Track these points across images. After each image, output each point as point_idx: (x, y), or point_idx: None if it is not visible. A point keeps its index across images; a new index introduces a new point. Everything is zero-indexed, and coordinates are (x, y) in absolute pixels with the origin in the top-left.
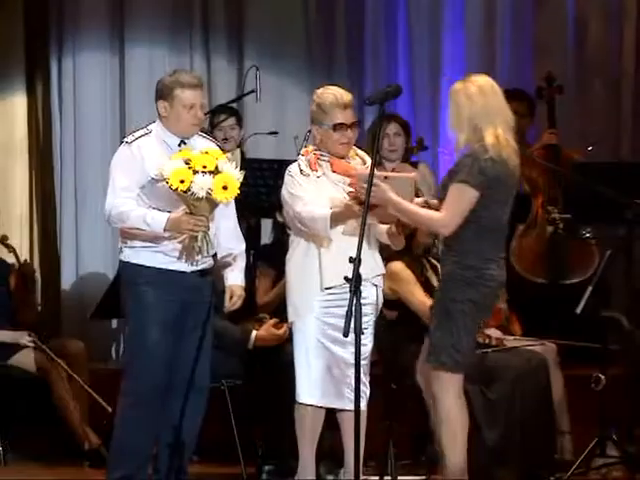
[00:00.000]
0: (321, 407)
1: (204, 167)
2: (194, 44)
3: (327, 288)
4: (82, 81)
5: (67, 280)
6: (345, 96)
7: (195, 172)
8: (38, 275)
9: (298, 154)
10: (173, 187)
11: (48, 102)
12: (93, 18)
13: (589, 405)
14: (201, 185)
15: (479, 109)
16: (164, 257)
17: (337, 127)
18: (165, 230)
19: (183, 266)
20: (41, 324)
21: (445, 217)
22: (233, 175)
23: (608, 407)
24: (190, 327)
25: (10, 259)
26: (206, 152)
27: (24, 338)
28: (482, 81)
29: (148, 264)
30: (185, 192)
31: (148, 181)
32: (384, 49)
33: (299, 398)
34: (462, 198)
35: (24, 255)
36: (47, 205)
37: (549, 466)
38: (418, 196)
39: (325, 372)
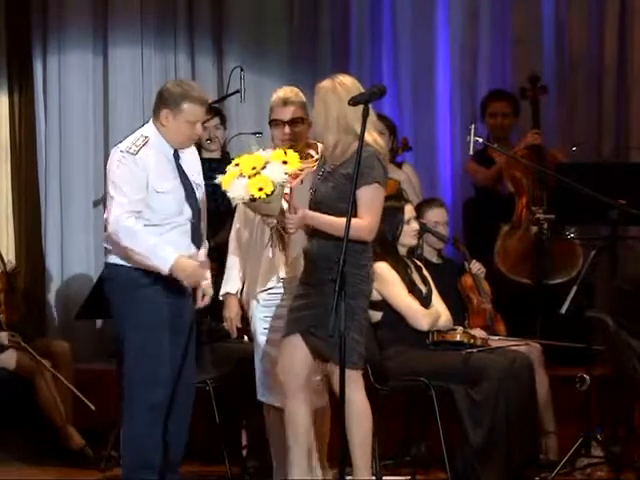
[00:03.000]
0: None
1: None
2: (178, 44)
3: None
4: (67, 80)
5: (52, 280)
6: (288, 92)
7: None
8: (22, 275)
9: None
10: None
11: (32, 101)
12: (77, 17)
13: (574, 405)
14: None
15: (351, 110)
16: None
17: (272, 124)
18: (169, 271)
19: None
20: (25, 324)
21: (370, 223)
22: (268, 177)
23: (593, 407)
24: (180, 329)
25: None
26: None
27: (7, 338)
28: (349, 81)
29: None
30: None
31: (152, 192)
32: (369, 49)
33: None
34: (377, 199)
35: (8, 255)
36: (32, 205)
37: (534, 466)
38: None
39: (270, 371)
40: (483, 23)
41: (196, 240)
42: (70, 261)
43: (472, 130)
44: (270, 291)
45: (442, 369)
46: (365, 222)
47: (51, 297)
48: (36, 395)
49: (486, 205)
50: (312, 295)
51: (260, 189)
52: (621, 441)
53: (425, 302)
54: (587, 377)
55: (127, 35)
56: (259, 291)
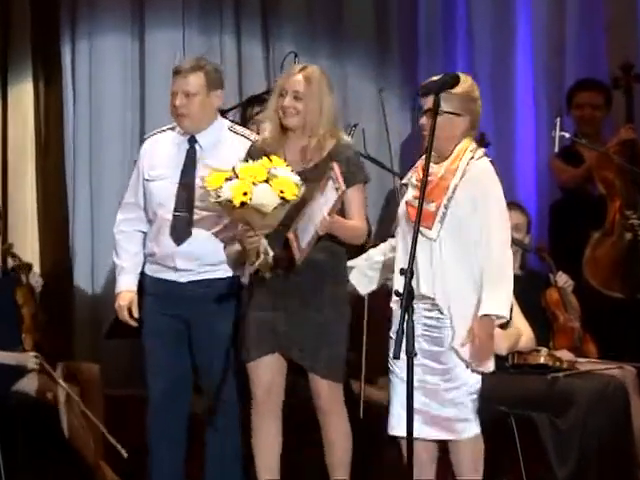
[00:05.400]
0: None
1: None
2: (225, 26)
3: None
4: (99, 68)
5: (80, 294)
6: None
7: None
8: (48, 288)
9: None
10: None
11: (60, 93)
12: None
13: None
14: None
15: (335, 104)
16: (159, 267)
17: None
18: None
19: (176, 276)
20: (50, 344)
21: (364, 223)
22: (289, 177)
23: None
24: (204, 342)
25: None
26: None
27: (30, 361)
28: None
29: (149, 273)
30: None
31: (143, 181)
32: (441, 33)
33: None
34: (364, 199)
35: (33, 268)
36: (59, 212)
37: None
38: None
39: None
40: (570, 5)
41: (177, 235)
42: (101, 273)
43: (557, 124)
44: None
45: (523, 395)
46: (363, 224)
47: (80, 314)
48: (63, 425)
49: (574, 209)
50: (293, 308)
51: (281, 192)
52: None
53: None
54: None
55: (167, 16)
56: None
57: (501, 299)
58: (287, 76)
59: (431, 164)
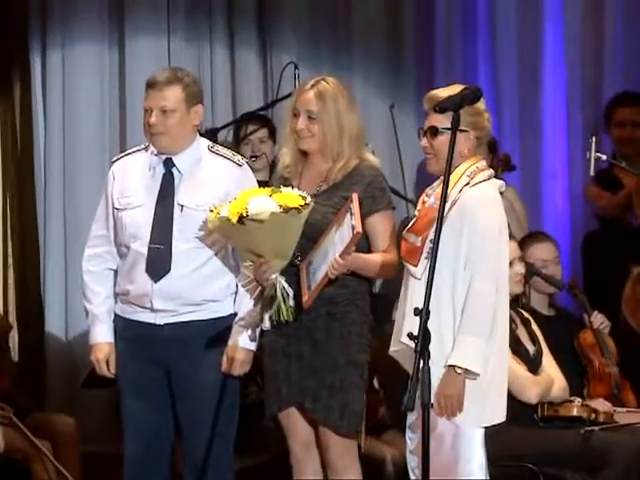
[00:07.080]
0: None
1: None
2: (215, 33)
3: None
4: (72, 81)
5: (53, 338)
6: None
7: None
8: (15, 331)
9: None
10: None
11: (28, 110)
12: (86, 1)
13: None
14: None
15: (359, 120)
16: (133, 307)
17: None
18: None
19: (152, 317)
20: (19, 394)
21: (393, 255)
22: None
23: None
24: (186, 393)
25: None
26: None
27: None
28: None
29: (121, 314)
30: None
31: (113, 210)
32: (460, 42)
33: None
34: (393, 227)
35: None
36: (27, 239)
37: None
38: None
39: None
40: (608, 5)
41: (154, 271)
42: (76, 313)
43: (593, 144)
44: None
45: (554, 451)
46: (394, 257)
47: (52, 360)
48: None
49: (611, 241)
50: (304, 351)
51: (280, 206)
52: None
53: (533, 366)
54: None
55: (149, 21)
56: None
57: (470, 350)
58: (299, 93)
59: (431, 191)
